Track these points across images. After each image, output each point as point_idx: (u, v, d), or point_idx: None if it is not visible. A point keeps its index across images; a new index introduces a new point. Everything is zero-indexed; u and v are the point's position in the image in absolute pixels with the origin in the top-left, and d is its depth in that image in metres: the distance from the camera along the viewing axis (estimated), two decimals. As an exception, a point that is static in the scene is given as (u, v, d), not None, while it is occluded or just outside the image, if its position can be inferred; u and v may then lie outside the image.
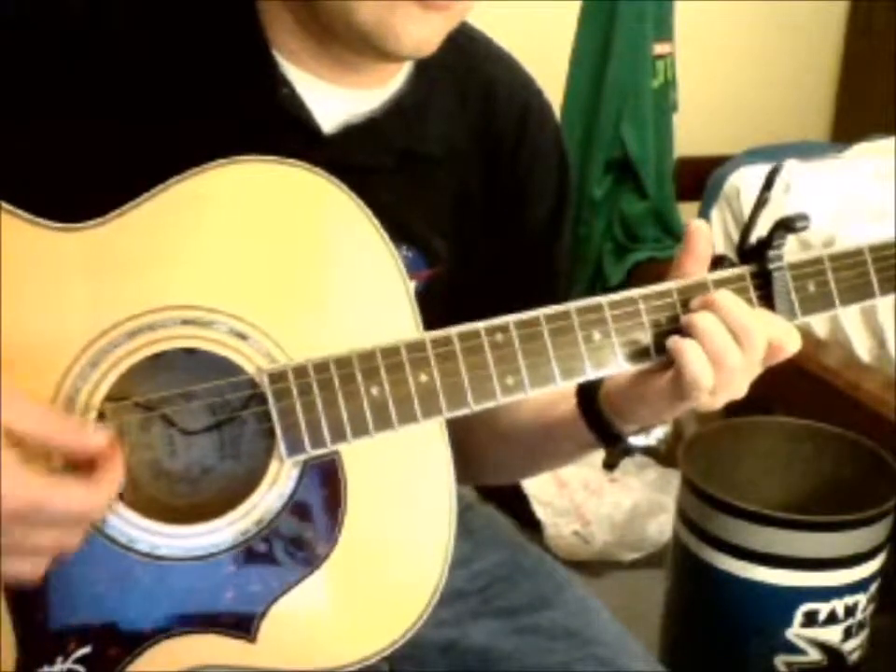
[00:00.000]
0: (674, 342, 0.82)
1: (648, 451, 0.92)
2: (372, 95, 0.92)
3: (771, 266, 0.84)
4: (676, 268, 0.85)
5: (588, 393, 0.89)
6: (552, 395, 0.89)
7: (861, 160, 2.52)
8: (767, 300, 0.85)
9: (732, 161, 2.57)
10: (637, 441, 0.89)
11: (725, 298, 0.82)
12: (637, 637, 1.03)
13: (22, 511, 0.69)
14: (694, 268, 0.85)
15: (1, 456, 0.68)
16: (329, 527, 0.80)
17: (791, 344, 0.83)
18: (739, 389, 0.83)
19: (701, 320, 0.81)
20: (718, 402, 0.83)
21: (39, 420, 0.71)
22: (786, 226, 0.84)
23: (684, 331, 0.82)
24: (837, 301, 0.87)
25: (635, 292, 0.83)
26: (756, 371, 0.83)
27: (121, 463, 0.74)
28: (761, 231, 0.86)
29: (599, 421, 0.89)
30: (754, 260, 0.85)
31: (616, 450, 0.90)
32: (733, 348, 0.80)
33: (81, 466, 0.73)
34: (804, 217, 0.84)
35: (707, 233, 0.86)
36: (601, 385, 0.88)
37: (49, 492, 0.70)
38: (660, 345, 0.83)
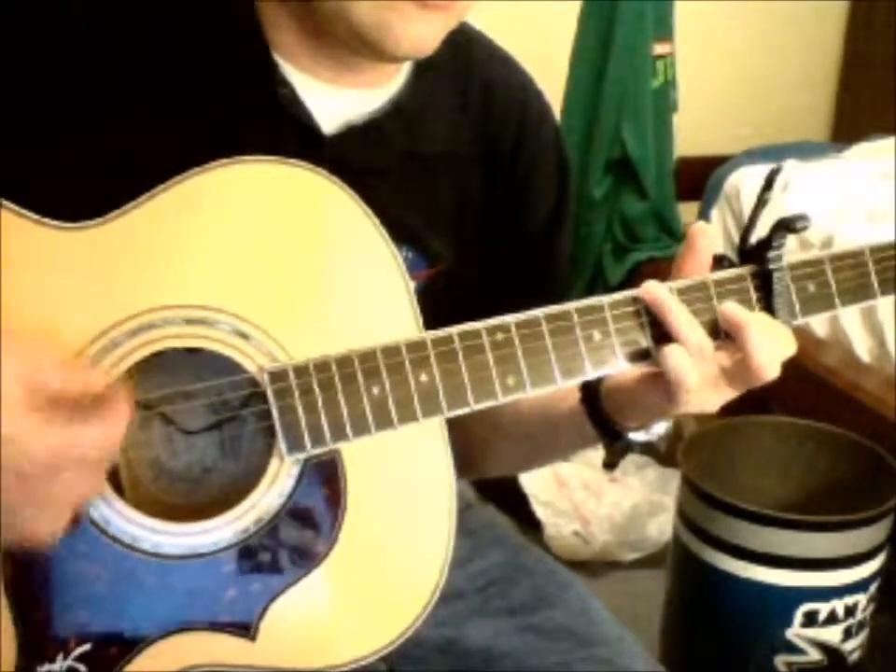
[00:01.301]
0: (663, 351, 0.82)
1: (648, 450, 0.92)
2: (372, 96, 0.92)
3: (771, 266, 0.85)
4: (677, 268, 0.85)
5: (591, 389, 0.89)
6: (556, 391, 0.89)
7: (861, 160, 2.52)
8: (767, 300, 0.85)
9: (732, 161, 2.57)
10: (637, 436, 0.89)
11: (743, 316, 0.82)
12: (637, 636, 1.03)
13: (48, 464, 0.68)
14: (695, 269, 0.85)
15: (21, 414, 0.67)
16: (329, 526, 0.80)
17: (786, 349, 0.83)
18: (734, 393, 0.84)
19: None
20: (709, 407, 0.84)
21: (38, 370, 0.70)
22: (786, 226, 0.84)
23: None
24: (837, 302, 0.87)
25: (635, 292, 0.83)
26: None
27: (125, 397, 0.72)
28: (761, 231, 0.86)
29: (601, 417, 0.89)
30: (754, 261, 0.85)
31: (617, 445, 0.90)
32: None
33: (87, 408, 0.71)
34: (803, 218, 0.84)
35: (710, 235, 0.86)
36: (603, 381, 0.88)
37: (68, 439, 0.69)
38: (660, 345, 0.83)
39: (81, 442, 0.70)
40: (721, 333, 0.83)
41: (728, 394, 0.84)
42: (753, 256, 0.85)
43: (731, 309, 0.83)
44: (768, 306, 0.85)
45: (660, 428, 0.90)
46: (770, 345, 0.81)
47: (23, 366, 0.69)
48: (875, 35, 3.07)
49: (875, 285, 0.88)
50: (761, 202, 0.86)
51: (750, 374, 0.81)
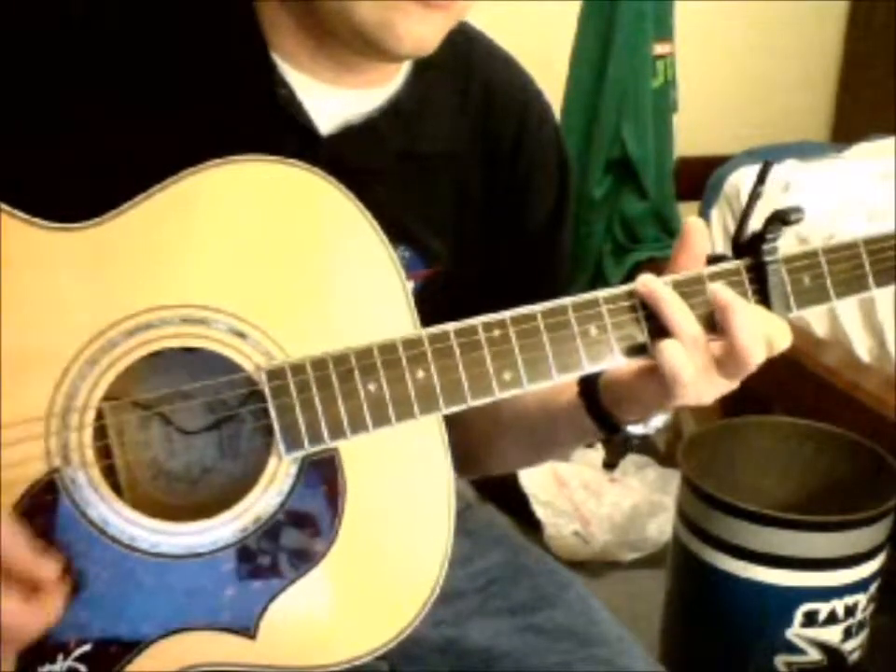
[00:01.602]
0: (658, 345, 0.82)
1: (648, 450, 0.92)
2: (371, 96, 0.92)
3: (766, 259, 0.84)
4: (672, 264, 0.86)
5: (588, 383, 0.89)
6: (555, 384, 0.89)
7: (861, 160, 2.52)
8: (762, 293, 0.85)
9: (732, 161, 2.57)
10: (635, 430, 0.90)
11: (730, 300, 0.82)
12: (637, 636, 1.03)
13: None
14: (690, 265, 0.85)
15: None
16: (328, 524, 0.80)
17: (782, 341, 0.83)
18: (730, 386, 0.84)
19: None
20: (705, 399, 0.83)
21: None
22: (780, 219, 0.84)
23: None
24: (833, 294, 0.87)
25: (630, 286, 0.83)
26: (750, 370, 0.83)
27: (65, 597, 0.75)
28: (756, 226, 0.86)
29: (599, 411, 0.89)
30: (749, 254, 0.85)
31: (615, 439, 0.90)
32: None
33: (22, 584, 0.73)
34: (797, 210, 0.84)
35: (704, 231, 0.86)
36: (601, 375, 0.88)
37: None
38: (656, 340, 0.83)
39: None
40: (718, 327, 0.83)
41: (721, 385, 0.83)
42: (748, 249, 0.85)
43: (718, 289, 0.82)
44: (764, 299, 0.85)
45: (658, 421, 0.90)
46: (753, 327, 0.81)
47: None
48: (875, 34, 3.07)
49: (870, 276, 0.88)
50: (754, 195, 0.86)
51: (736, 357, 0.81)
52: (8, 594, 0.72)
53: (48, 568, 0.74)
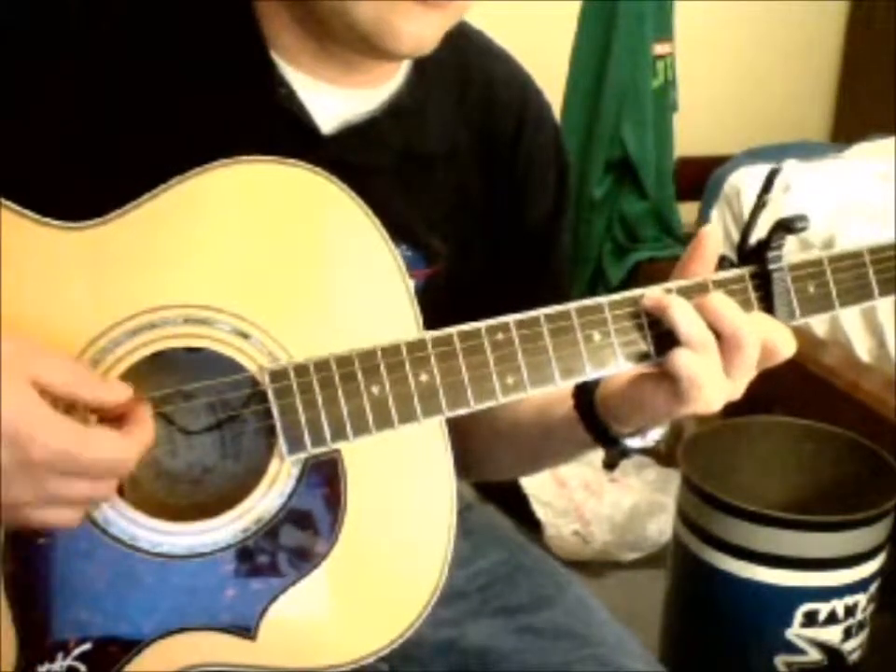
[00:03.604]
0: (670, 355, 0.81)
1: (647, 451, 0.91)
2: (371, 95, 0.92)
3: (771, 267, 0.84)
4: (680, 269, 0.85)
5: (585, 396, 0.89)
6: (550, 397, 0.89)
7: (861, 160, 2.52)
8: (767, 300, 0.85)
9: (732, 161, 2.57)
10: (633, 443, 0.89)
11: (715, 300, 0.82)
12: (637, 636, 1.03)
13: (55, 460, 0.69)
14: (700, 271, 0.84)
15: (32, 406, 0.68)
16: (329, 526, 0.80)
17: (786, 348, 0.83)
18: (735, 391, 0.83)
19: (683, 323, 0.81)
20: (715, 405, 0.83)
21: (66, 372, 0.72)
22: (785, 227, 0.84)
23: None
24: (836, 303, 0.87)
25: (635, 293, 0.83)
26: (751, 373, 0.83)
27: (149, 417, 0.74)
28: (761, 231, 0.86)
29: (596, 424, 0.89)
30: (754, 261, 0.85)
31: (613, 451, 0.90)
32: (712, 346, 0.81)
33: (110, 420, 0.73)
34: (803, 218, 0.84)
35: (717, 239, 0.85)
36: (597, 388, 0.88)
37: (81, 440, 0.69)
38: (660, 346, 0.83)
39: (93, 448, 0.70)
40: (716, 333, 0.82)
41: (727, 386, 0.83)
42: (753, 256, 0.85)
43: (645, 298, 0.82)
44: (768, 307, 0.85)
45: (656, 434, 0.89)
46: (692, 317, 0.80)
47: (39, 364, 0.70)
48: (875, 34, 3.07)
49: (874, 285, 0.88)
50: (760, 203, 0.86)
51: (732, 350, 0.80)
52: (98, 431, 0.72)
53: (119, 391, 0.74)
